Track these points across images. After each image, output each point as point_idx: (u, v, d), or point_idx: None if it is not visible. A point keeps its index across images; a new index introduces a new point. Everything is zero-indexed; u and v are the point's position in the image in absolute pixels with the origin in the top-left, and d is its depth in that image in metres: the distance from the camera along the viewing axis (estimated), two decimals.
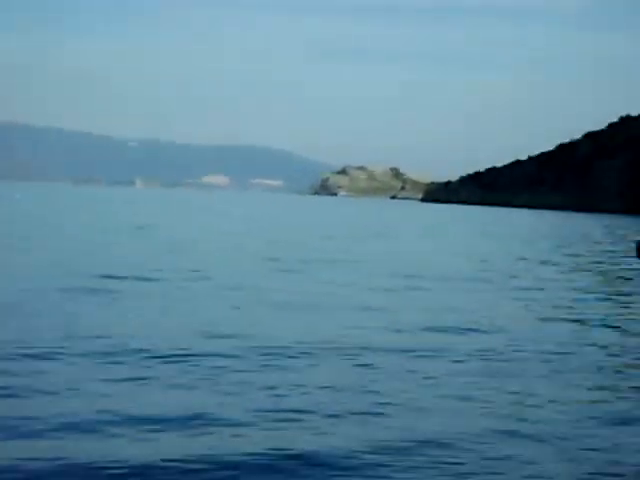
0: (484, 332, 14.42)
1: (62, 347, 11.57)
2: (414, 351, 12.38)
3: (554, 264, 30.57)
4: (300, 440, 8.01)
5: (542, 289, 21.81)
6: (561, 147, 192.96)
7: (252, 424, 8.46)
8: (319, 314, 16.10)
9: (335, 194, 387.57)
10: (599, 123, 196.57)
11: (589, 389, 10.53)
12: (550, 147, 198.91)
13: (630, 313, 17.68)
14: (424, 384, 10.42)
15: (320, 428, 8.44)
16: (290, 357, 11.62)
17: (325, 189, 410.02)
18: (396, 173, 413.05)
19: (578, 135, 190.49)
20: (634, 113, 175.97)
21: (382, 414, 8.99)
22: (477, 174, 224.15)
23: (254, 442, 7.91)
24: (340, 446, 7.83)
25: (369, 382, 10.36)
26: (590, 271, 28.05)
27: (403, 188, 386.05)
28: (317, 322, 15.04)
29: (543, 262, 31.32)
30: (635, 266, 30.24)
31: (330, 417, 8.79)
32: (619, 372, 11.55)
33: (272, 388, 9.88)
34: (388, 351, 12.32)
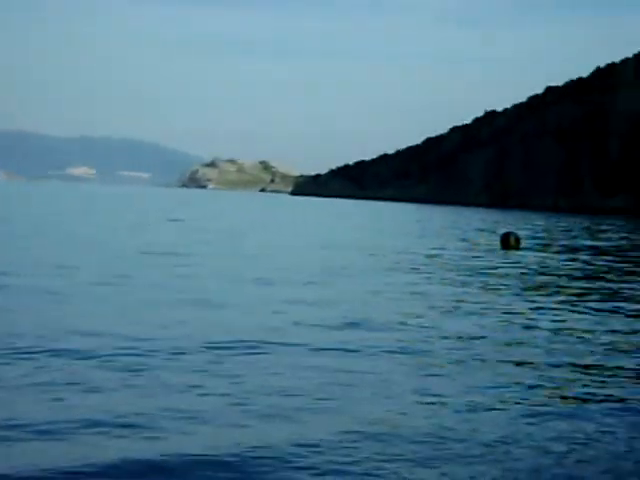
0: (355, 325, 14.33)
1: None
2: (285, 345, 12.17)
3: (422, 256, 30.84)
4: (168, 442, 7.74)
5: (412, 282, 21.90)
6: (428, 141, 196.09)
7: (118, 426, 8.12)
8: (192, 310, 15.73)
9: (204, 187, 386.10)
10: (466, 118, 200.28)
11: (442, 379, 10.54)
12: (417, 141, 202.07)
13: (496, 303, 17.87)
14: (289, 378, 10.21)
15: (178, 430, 8.17)
16: (157, 356, 11.27)
17: (194, 182, 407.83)
18: (266, 166, 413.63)
19: (445, 129, 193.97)
20: (499, 108, 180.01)
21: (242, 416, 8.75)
22: (346, 167, 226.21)
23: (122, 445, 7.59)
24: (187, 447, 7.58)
25: (231, 378, 10.11)
26: (457, 263, 28.35)
27: (273, 181, 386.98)
28: (189, 318, 14.68)
29: (409, 253, 31.59)
30: (500, 258, 30.78)
31: (186, 418, 8.52)
32: (479, 361, 11.59)
33: (143, 387, 9.56)
34: (253, 346, 12.09)
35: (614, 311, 17.51)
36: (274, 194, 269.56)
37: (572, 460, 7.66)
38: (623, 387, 10.61)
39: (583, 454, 7.84)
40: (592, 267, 28.89)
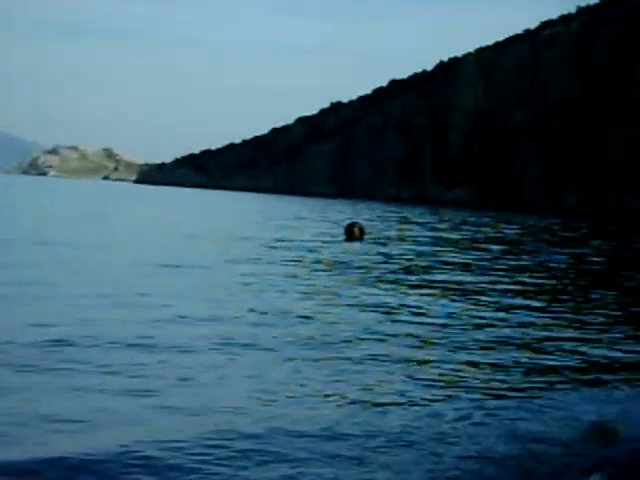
0: (210, 319, 14.07)
1: None
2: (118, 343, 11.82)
3: (265, 247, 30.72)
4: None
5: (256, 273, 21.73)
6: (274, 131, 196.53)
7: None
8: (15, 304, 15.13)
9: (45, 174, 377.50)
10: (311, 109, 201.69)
11: (280, 372, 10.45)
12: (264, 131, 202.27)
13: (340, 293, 17.88)
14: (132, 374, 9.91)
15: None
16: None
17: (34, 168, 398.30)
18: (109, 154, 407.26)
19: (291, 119, 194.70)
20: (345, 99, 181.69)
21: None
22: (191, 156, 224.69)
23: None
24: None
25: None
26: (301, 254, 28.27)
27: (116, 169, 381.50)
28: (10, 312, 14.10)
29: (254, 243, 31.44)
30: (344, 248, 30.92)
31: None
32: (320, 353, 11.52)
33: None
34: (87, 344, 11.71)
35: (451, 300, 17.78)
36: (117, 182, 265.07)
37: (397, 445, 7.78)
38: (451, 375, 10.75)
39: (409, 439, 7.97)
40: (436, 258, 29.33)
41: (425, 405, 9.23)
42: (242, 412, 8.60)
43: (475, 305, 17.38)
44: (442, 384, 10.31)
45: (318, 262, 25.59)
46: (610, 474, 7.29)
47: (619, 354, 12.83)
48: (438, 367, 11.22)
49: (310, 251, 29.67)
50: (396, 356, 11.73)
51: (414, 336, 13.42)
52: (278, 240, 34.88)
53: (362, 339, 12.92)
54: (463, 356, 12.03)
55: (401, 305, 16.85)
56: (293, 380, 10.07)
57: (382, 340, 12.92)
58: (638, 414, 9.25)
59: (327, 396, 9.42)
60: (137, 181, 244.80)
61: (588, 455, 7.87)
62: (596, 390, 10.44)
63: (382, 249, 31.66)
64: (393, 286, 20.24)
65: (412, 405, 9.25)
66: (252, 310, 15.15)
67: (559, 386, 10.55)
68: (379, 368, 10.97)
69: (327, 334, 13.17)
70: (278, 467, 7.14)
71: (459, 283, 21.61)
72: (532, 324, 15.28)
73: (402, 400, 9.43)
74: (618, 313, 17.46)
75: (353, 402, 9.24)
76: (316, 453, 7.50)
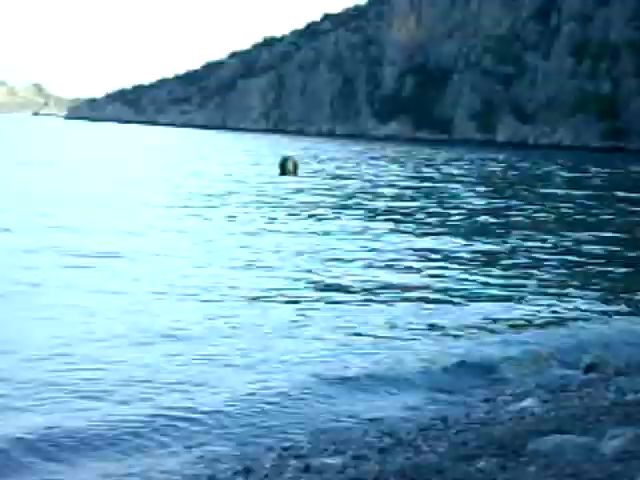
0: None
1: None
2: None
3: (201, 188, 31.03)
4: None
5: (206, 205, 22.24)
6: (207, 66, 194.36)
7: None
8: None
9: None
10: (244, 43, 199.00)
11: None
12: (196, 66, 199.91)
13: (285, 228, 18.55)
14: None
15: None
16: None
17: None
18: (39, 88, 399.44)
19: (224, 54, 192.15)
20: (278, 34, 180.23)
21: None
22: (123, 91, 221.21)
23: None
24: None
25: None
26: (238, 192, 28.53)
27: (46, 104, 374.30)
28: None
29: (198, 175, 31.74)
30: (279, 183, 31.37)
31: None
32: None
33: None
34: None
35: (397, 230, 18.56)
36: (48, 117, 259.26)
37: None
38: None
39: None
40: (376, 192, 29.91)
41: None
42: None
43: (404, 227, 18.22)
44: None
45: (257, 197, 26.06)
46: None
47: None
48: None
49: (247, 186, 30.09)
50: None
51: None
52: (226, 175, 35.21)
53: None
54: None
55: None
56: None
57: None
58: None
59: None
60: (68, 117, 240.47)
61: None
62: None
63: (315, 184, 32.02)
64: (325, 220, 20.94)
65: None
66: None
67: None
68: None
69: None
70: None
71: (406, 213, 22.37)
72: None
73: None
74: None
75: None
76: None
